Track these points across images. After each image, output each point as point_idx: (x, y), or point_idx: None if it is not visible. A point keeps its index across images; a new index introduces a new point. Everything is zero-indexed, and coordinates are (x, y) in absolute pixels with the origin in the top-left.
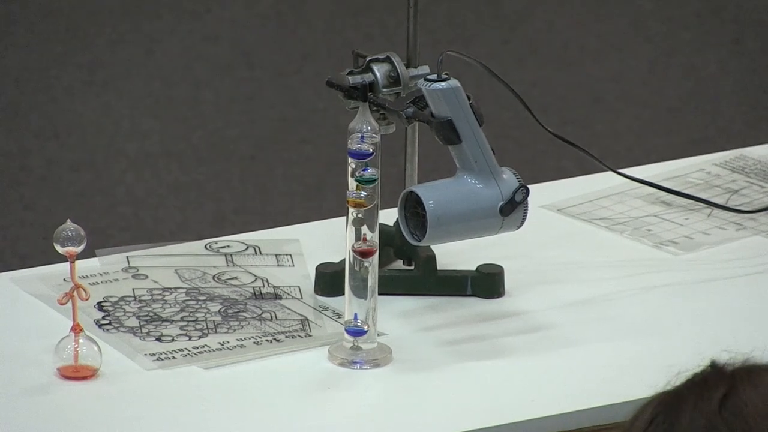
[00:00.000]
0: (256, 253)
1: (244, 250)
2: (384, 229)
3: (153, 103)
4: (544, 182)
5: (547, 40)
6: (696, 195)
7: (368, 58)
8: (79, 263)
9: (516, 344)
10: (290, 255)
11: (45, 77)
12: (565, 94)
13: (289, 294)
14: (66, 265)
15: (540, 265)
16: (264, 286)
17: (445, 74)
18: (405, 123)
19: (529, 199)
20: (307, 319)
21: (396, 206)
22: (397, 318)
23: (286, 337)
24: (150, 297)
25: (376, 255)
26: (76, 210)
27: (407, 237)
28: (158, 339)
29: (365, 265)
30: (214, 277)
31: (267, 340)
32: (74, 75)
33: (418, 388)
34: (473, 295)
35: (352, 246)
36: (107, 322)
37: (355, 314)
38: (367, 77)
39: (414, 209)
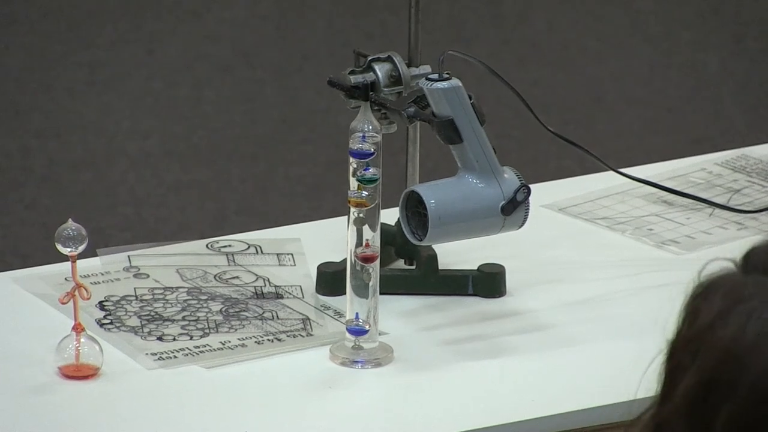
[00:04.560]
0: (257, 252)
1: (245, 250)
2: (385, 229)
3: (154, 103)
4: (546, 182)
5: (548, 39)
6: (697, 195)
7: (369, 58)
8: (80, 263)
9: (517, 344)
10: (291, 254)
11: (46, 77)
12: (566, 93)
13: (290, 293)
14: (67, 265)
15: (541, 265)
16: (265, 285)
17: (447, 74)
18: (406, 122)
19: (530, 198)
20: (309, 319)
21: (397, 206)
22: (399, 317)
23: (288, 336)
24: (151, 296)
25: (378, 260)
26: (77, 209)
27: (408, 236)
28: (160, 338)
29: (368, 270)
30: (215, 276)
31: (268, 340)
32: (75, 75)
33: (420, 388)
34: (474, 294)
35: (355, 252)
36: (109, 321)
37: (357, 313)
38: (369, 77)
39: (415, 209)
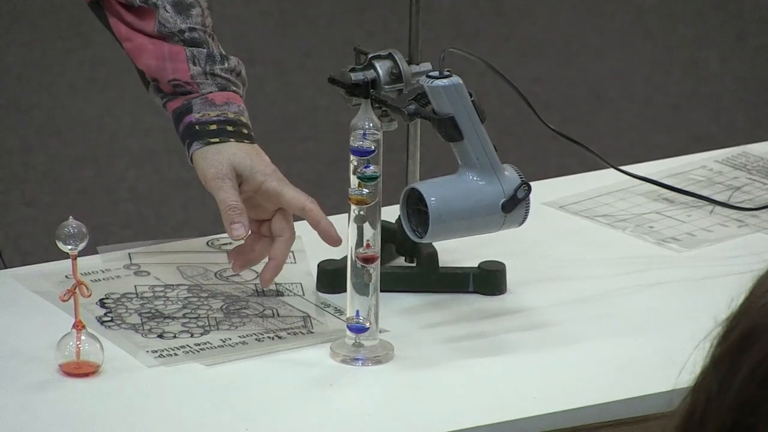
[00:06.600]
0: None
1: None
2: (386, 226)
3: None
4: (546, 179)
5: (549, 37)
6: (698, 192)
7: (370, 55)
8: (80, 260)
9: (518, 341)
10: (292, 252)
11: (47, 74)
12: (567, 91)
13: (291, 291)
14: (68, 262)
15: (542, 262)
16: None
17: (447, 71)
18: (407, 120)
19: (530, 196)
20: (309, 316)
21: (398, 203)
22: (399, 315)
23: (288, 333)
24: (152, 294)
25: (379, 260)
26: (78, 207)
27: (409, 234)
28: (160, 336)
29: (369, 270)
30: (216, 274)
31: (269, 337)
32: (76, 71)
33: (420, 385)
34: (475, 291)
35: (356, 253)
36: (109, 318)
37: (357, 311)
38: (369, 74)
39: (416, 206)
